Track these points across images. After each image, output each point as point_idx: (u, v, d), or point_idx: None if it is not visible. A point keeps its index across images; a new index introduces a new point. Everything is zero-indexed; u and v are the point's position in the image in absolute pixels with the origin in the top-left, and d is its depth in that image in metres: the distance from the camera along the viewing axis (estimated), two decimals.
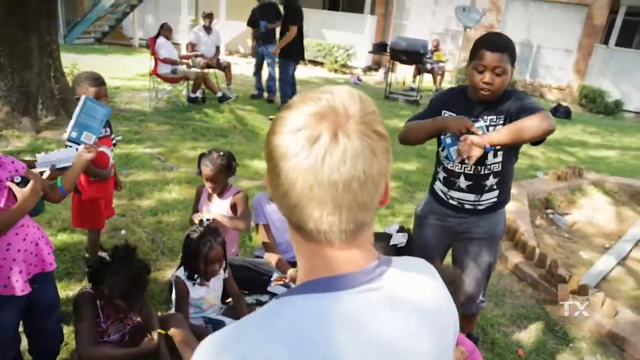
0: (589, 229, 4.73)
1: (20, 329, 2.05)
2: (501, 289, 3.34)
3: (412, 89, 10.41)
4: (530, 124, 1.89)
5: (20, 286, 1.82)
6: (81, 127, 2.01)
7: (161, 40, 6.79)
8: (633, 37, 11.48)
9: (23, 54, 5.08)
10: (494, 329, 2.89)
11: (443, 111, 2.15)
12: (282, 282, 2.62)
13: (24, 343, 2.13)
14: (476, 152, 1.94)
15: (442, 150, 2.20)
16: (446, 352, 0.75)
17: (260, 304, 2.69)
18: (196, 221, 2.57)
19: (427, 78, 10.41)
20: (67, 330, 2.33)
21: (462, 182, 2.18)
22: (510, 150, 2.13)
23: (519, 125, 1.91)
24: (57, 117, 5.55)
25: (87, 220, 2.86)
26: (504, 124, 2.02)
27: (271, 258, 2.85)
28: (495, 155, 2.09)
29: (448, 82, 11.63)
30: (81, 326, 2.01)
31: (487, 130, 2.03)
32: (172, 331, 2.16)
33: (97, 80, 2.62)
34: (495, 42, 1.94)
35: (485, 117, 2.06)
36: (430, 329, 0.72)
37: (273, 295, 2.74)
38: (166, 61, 6.78)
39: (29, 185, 1.78)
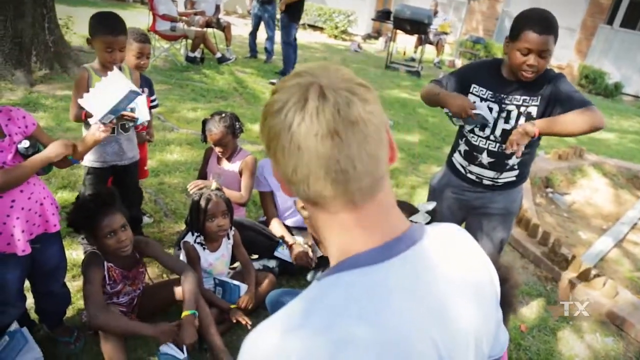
0: (587, 209, 4.76)
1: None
2: None
3: (412, 60, 10.23)
4: (582, 120, 1.83)
5: (21, 246, 1.75)
6: (111, 112, 1.92)
7: None
8: (638, 18, 11.32)
9: (16, 2, 4.82)
10: None
11: (472, 85, 2.07)
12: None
13: (30, 302, 2.09)
14: (525, 141, 1.88)
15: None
16: (489, 322, 0.75)
17: (268, 269, 2.67)
18: (190, 189, 2.54)
19: (428, 49, 10.21)
20: (73, 290, 2.29)
21: (485, 158, 2.13)
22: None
23: (570, 118, 1.84)
24: (51, 71, 5.35)
25: None
26: (538, 106, 1.96)
27: (275, 230, 2.83)
28: None
29: (448, 55, 11.46)
30: (89, 290, 1.95)
31: (519, 110, 1.97)
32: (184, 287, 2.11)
33: (144, 36, 2.66)
34: (544, 23, 1.82)
35: (517, 97, 1.98)
36: (471, 297, 0.72)
37: (280, 260, 2.72)
38: (165, 18, 6.53)
39: (56, 147, 1.71)
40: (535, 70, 1.87)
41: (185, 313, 2.02)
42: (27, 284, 2.00)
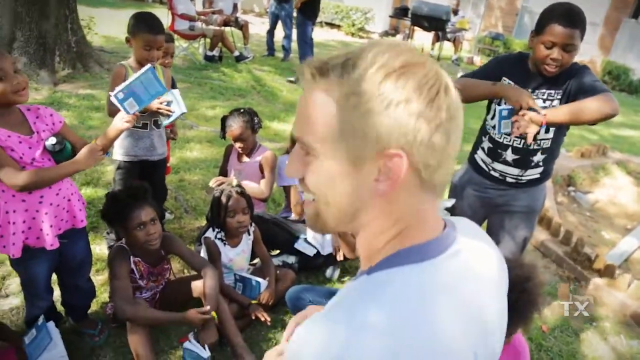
0: (611, 208, 4.66)
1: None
2: None
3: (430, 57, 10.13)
4: (592, 106, 1.78)
5: (50, 240, 1.80)
6: (131, 92, 1.90)
7: None
8: None
9: (40, 3, 4.93)
10: None
11: (503, 78, 2.04)
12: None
13: (57, 295, 2.14)
14: (533, 129, 1.85)
15: (492, 118, 2.11)
16: (504, 320, 0.74)
17: (288, 266, 2.68)
18: (211, 184, 2.57)
19: (445, 46, 10.10)
20: (97, 284, 2.33)
21: (509, 155, 2.10)
22: (562, 128, 2.04)
23: (580, 106, 1.81)
24: (74, 71, 5.46)
25: None
26: (560, 100, 1.93)
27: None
28: (547, 131, 2.00)
29: (467, 52, 11.33)
30: (116, 284, 1.99)
31: (545, 104, 1.94)
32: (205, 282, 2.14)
33: (169, 36, 2.76)
34: (569, 16, 1.79)
35: (543, 91, 1.95)
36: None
37: (299, 256, 2.73)
38: (184, 17, 6.60)
39: (86, 159, 1.75)
40: (558, 64, 1.84)
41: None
42: (54, 277, 2.04)
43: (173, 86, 2.85)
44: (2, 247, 1.77)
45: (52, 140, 1.74)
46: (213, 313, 2.05)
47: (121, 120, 1.88)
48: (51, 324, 1.90)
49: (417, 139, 0.58)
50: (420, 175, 0.60)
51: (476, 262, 0.68)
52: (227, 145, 2.95)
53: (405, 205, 0.63)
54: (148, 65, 1.95)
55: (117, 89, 1.86)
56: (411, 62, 0.59)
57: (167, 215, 3.09)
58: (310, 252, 2.70)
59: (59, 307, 2.19)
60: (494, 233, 2.32)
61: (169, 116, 2.42)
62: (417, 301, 0.58)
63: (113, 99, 1.88)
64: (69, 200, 1.88)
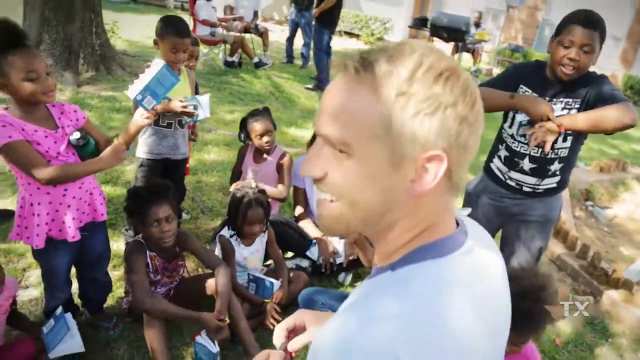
0: (630, 224, 4.58)
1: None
2: None
3: None
4: (611, 115, 1.77)
5: (72, 232, 1.84)
6: (148, 91, 1.96)
7: (201, 1, 6.72)
8: None
9: (67, 7, 5.08)
10: None
11: (520, 86, 2.04)
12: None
13: (75, 288, 2.19)
14: (551, 138, 1.85)
15: (510, 127, 2.11)
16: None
17: (301, 269, 2.70)
18: (232, 189, 2.59)
19: (464, 57, 10.08)
20: (113, 278, 2.37)
21: (526, 164, 2.09)
22: (579, 136, 2.03)
23: (599, 114, 1.80)
24: (97, 73, 5.59)
25: None
26: (579, 109, 1.92)
27: (305, 227, 2.87)
28: (564, 140, 1.99)
29: (485, 63, 11.28)
30: (134, 278, 2.03)
31: (562, 112, 1.93)
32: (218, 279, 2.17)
33: (194, 39, 2.85)
34: (588, 18, 1.81)
35: (561, 99, 1.95)
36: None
37: (312, 260, 2.75)
38: (205, 23, 6.72)
39: (110, 151, 1.81)
40: (575, 65, 1.84)
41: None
42: (72, 270, 2.09)
43: (196, 89, 2.91)
44: (26, 238, 1.82)
45: (77, 135, 1.79)
46: (226, 313, 2.08)
47: (141, 117, 1.92)
48: (69, 315, 1.94)
49: (458, 142, 0.59)
50: (451, 177, 0.61)
51: (486, 261, 0.69)
52: (241, 147, 2.99)
53: (432, 205, 0.63)
54: (161, 62, 1.99)
55: (135, 92, 1.92)
56: (452, 66, 0.59)
57: (184, 216, 3.13)
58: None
59: (76, 300, 2.24)
60: (509, 242, 2.31)
61: (193, 117, 2.49)
62: (432, 294, 0.58)
63: (131, 98, 1.94)
64: (90, 193, 1.93)
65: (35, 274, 2.45)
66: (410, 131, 0.57)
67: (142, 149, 2.60)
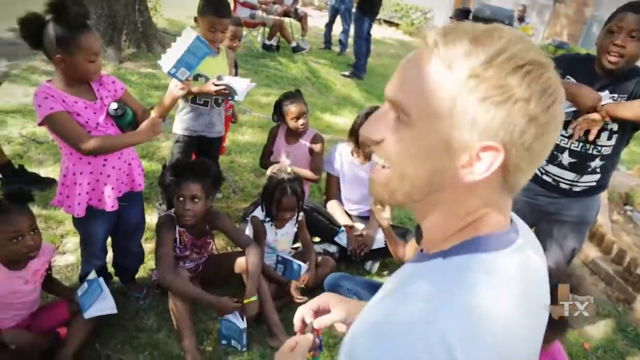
0: None
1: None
2: None
3: None
4: None
5: (110, 202, 1.90)
6: (181, 63, 1.96)
7: None
8: None
9: None
10: None
11: (567, 77, 1.98)
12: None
13: (109, 257, 2.26)
14: (596, 128, 1.79)
15: None
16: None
17: (328, 254, 2.71)
18: (269, 172, 2.60)
19: None
20: (146, 250, 2.44)
21: (565, 159, 2.03)
22: (625, 134, 1.96)
23: None
24: (138, 50, 5.69)
25: None
26: None
27: (332, 209, 2.89)
28: (609, 138, 1.92)
29: None
30: (161, 252, 2.09)
31: None
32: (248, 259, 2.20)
33: (238, 20, 2.84)
34: None
35: (608, 93, 1.88)
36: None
37: (340, 246, 2.75)
38: (246, 5, 6.74)
39: (148, 124, 1.86)
40: (621, 52, 1.76)
41: (247, 300, 2.11)
42: (108, 240, 2.16)
43: (236, 69, 2.93)
44: (67, 206, 1.89)
45: (114, 106, 1.84)
46: (250, 299, 2.11)
47: (176, 88, 1.95)
48: (102, 279, 2.00)
49: (520, 141, 0.56)
50: (508, 176, 0.59)
51: (534, 261, 0.68)
52: (273, 127, 3.01)
53: (482, 197, 0.61)
54: (193, 33, 1.95)
55: (169, 65, 1.91)
56: (539, 60, 0.57)
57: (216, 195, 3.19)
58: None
59: (110, 269, 2.31)
60: (542, 241, 2.20)
61: (229, 97, 2.50)
62: (486, 286, 0.58)
63: (164, 71, 1.94)
64: (129, 164, 1.98)
65: (72, 241, 2.55)
66: (472, 115, 0.55)
67: (179, 126, 2.65)
